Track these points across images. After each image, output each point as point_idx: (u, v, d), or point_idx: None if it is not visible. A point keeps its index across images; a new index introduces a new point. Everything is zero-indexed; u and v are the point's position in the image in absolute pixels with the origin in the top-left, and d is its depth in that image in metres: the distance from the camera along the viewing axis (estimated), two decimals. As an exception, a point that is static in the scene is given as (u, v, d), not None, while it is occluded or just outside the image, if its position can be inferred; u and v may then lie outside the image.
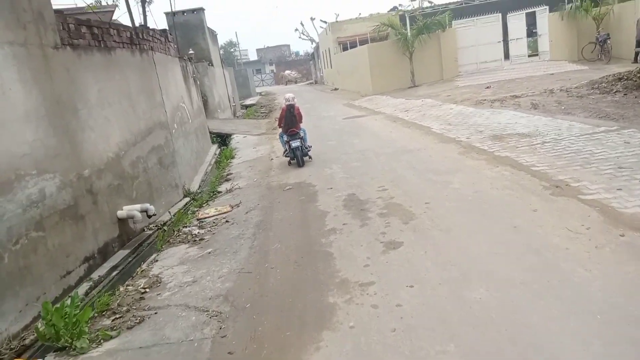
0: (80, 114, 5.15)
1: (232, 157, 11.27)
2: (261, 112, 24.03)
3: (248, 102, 31.68)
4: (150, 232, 6.23)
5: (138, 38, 7.07)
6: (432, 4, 21.76)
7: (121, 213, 5.59)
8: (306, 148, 8.85)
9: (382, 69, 20.46)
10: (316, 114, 17.40)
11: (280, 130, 9.25)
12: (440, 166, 6.93)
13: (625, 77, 11.39)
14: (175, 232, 5.93)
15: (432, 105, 13.95)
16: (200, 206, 7.16)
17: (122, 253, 5.48)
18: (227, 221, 6.01)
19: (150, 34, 7.81)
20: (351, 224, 5.04)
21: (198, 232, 5.70)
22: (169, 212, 6.52)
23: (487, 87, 15.89)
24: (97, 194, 5.22)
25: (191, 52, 18.40)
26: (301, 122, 8.94)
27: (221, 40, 63.83)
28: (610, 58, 16.87)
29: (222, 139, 14.62)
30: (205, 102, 18.17)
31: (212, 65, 20.56)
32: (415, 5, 21.34)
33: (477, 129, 9.33)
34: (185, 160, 8.63)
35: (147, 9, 10.34)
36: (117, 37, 6.36)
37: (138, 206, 5.76)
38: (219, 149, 13.36)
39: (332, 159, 8.90)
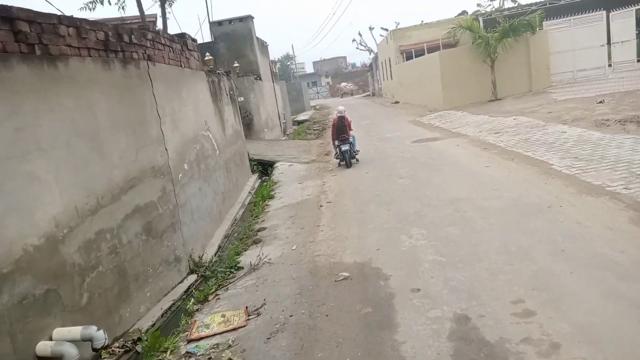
0: (-41, 176, 2.76)
1: (271, 197, 8.71)
2: (313, 130, 21.52)
3: (301, 117, 29.56)
4: (113, 359, 3.74)
5: (120, 42, 4.68)
6: (517, 3, 18.22)
7: (43, 348, 3.12)
8: (354, 152, 10.23)
9: (455, 79, 17.22)
10: (377, 134, 14.47)
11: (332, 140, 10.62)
12: (614, 253, 3.87)
13: None
14: (144, 376, 3.37)
15: (532, 126, 10.67)
16: (205, 299, 4.58)
17: None
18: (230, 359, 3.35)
19: (149, 37, 5.43)
20: None
21: (175, 390, 3.09)
22: (137, 332, 3.95)
23: (600, 102, 12.29)
24: (-14, 325, 2.79)
25: (236, 64, 16.37)
26: (351, 129, 10.35)
27: (278, 54, 63.00)
28: None
29: (265, 167, 12.18)
30: (249, 122, 16.01)
31: (260, 79, 18.39)
32: (496, 5, 17.88)
33: (630, 169, 6.10)
34: (199, 214, 6.15)
35: (167, 10, 8.05)
36: (75, 39, 3.97)
37: (78, 330, 3.27)
38: (259, 181, 10.92)
39: (409, 214, 6.04)
